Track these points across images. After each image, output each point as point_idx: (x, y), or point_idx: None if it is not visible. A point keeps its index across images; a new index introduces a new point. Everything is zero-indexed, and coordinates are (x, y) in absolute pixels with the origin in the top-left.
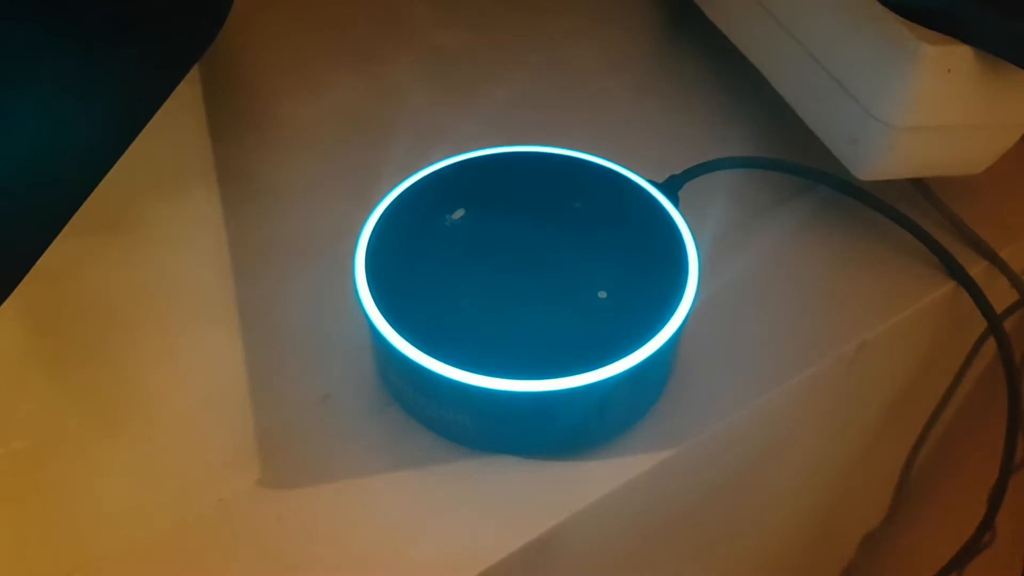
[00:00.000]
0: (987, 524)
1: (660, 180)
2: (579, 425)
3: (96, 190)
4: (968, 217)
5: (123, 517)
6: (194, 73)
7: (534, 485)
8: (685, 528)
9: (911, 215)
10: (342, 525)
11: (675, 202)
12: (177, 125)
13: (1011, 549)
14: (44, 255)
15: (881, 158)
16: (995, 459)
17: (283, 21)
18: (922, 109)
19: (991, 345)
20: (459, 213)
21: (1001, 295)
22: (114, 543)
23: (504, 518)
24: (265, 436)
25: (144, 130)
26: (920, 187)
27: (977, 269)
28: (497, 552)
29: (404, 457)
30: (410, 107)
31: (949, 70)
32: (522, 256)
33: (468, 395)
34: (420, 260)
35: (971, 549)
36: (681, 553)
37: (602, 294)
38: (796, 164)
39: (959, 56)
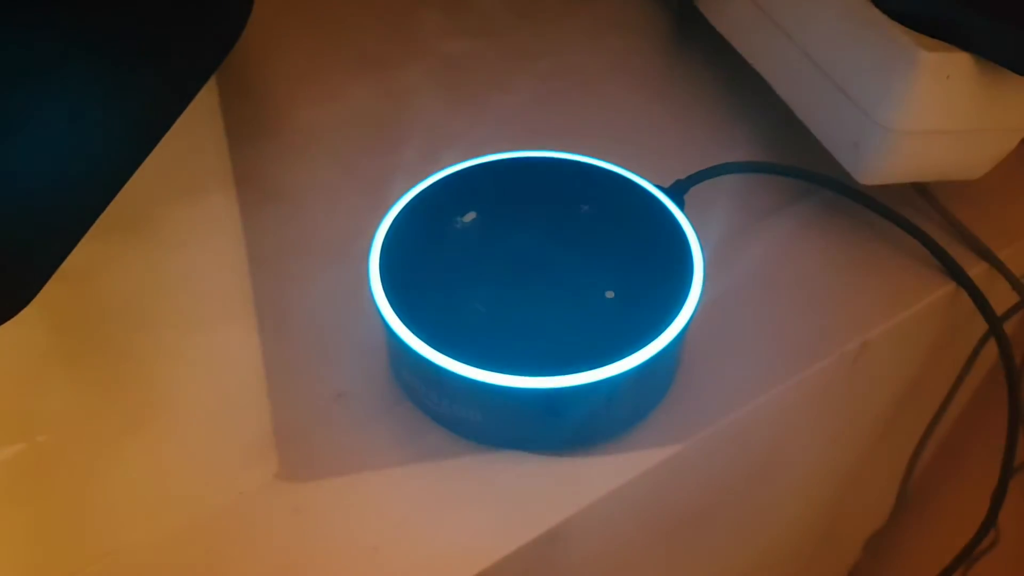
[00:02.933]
0: (990, 524)
1: (666, 184)
2: (587, 421)
3: (118, 194)
4: (968, 220)
5: (144, 509)
6: (212, 80)
7: (543, 480)
8: (690, 524)
9: (912, 218)
10: (356, 517)
11: (681, 206)
12: (195, 131)
13: (1015, 549)
14: (68, 257)
15: (882, 162)
16: (997, 460)
17: (299, 30)
18: (922, 114)
19: (992, 347)
20: (470, 216)
21: (1002, 297)
22: (135, 534)
23: (514, 512)
24: (282, 432)
25: (164, 136)
26: (921, 190)
27: (977, 271)
28: (507, 545)
29: (416, 452)
30: (422, 113)
31: (948, 76)
32: (531, 257)
33: (479, 391)
34: (433, 261)
35: (975, 549)
36: (686, 550)
37: (609, 294)
38: (799, 168)
39: (958, 62)
